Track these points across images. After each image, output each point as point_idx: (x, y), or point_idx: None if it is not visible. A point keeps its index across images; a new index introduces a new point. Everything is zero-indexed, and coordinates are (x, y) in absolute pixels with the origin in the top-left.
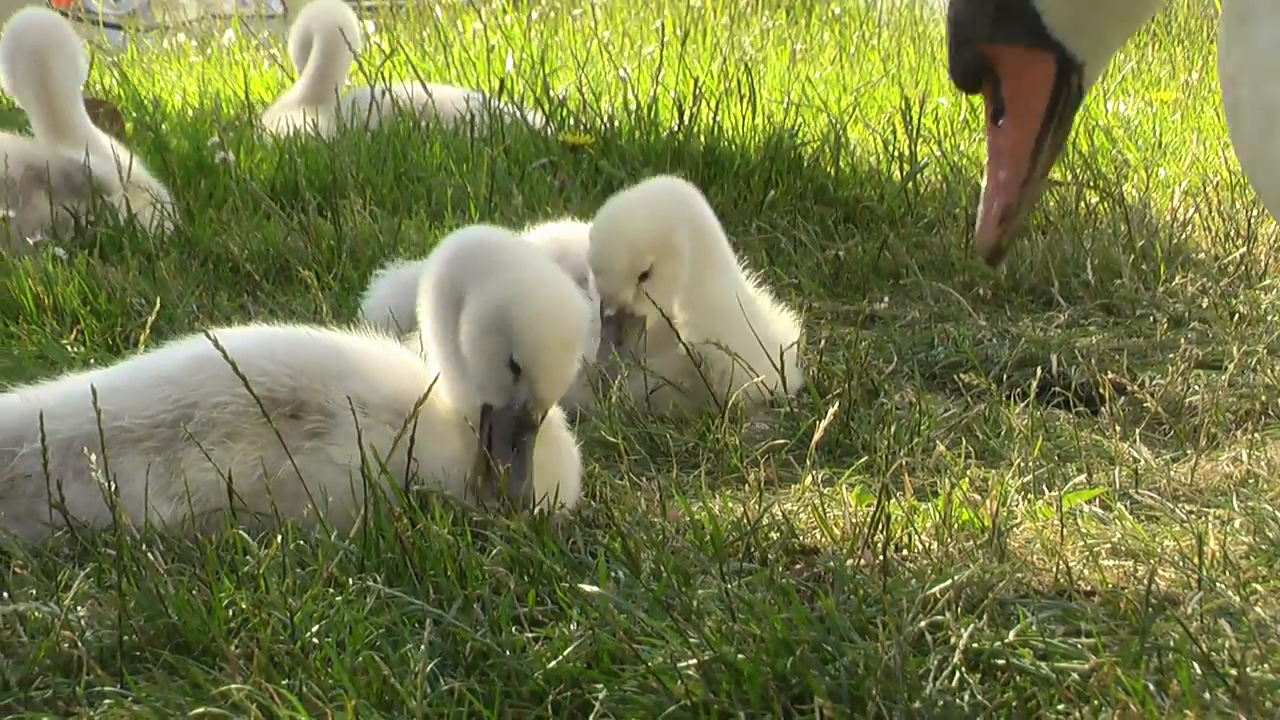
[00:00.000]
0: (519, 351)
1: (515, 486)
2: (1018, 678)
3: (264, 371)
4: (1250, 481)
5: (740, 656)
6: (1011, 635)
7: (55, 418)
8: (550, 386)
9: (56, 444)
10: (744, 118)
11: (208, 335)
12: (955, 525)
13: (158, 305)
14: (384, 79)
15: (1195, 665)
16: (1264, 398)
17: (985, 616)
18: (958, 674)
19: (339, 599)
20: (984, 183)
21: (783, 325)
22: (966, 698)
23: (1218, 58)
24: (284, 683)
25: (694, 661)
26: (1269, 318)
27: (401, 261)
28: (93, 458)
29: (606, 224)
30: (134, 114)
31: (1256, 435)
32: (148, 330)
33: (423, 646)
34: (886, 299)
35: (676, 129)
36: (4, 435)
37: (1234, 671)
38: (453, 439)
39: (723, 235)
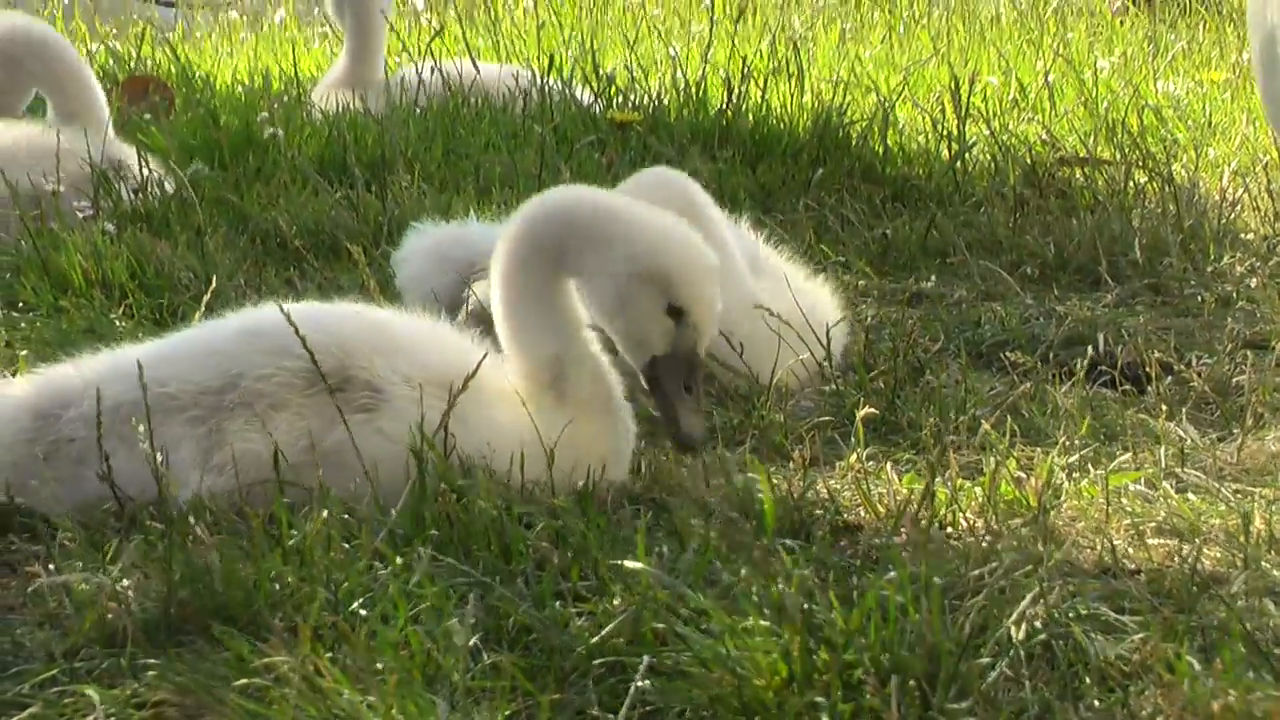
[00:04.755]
0: (680, 293)
1: (694, 425)
2: (1062, 655)
3: (311, 346)
4: None
5: (784, 634)
6: (1057, 613)
7: (103, 384)
8: (712, 319)
9: (103, 409)
10: (792, 96)
11: (255, 305)
12: (1001, 504)
13: (213, 284)
14: (433, 56)
15: (1240, 644)
16: None
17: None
18: (1002, 652)
19: (384, 573)
20: None
21: (819, 298)
22: (1011, 674)
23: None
24: (328, 656)
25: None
26: None
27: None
28: (140, 429)
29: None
30: (184, 90)
31: None
32: (203, 307)
33: (466, 621)
34: (933, 278)
35: (725, 107)
36: (53, 397)
37: (1278, 651)
38: (502, 412)
39: (715, 216)
